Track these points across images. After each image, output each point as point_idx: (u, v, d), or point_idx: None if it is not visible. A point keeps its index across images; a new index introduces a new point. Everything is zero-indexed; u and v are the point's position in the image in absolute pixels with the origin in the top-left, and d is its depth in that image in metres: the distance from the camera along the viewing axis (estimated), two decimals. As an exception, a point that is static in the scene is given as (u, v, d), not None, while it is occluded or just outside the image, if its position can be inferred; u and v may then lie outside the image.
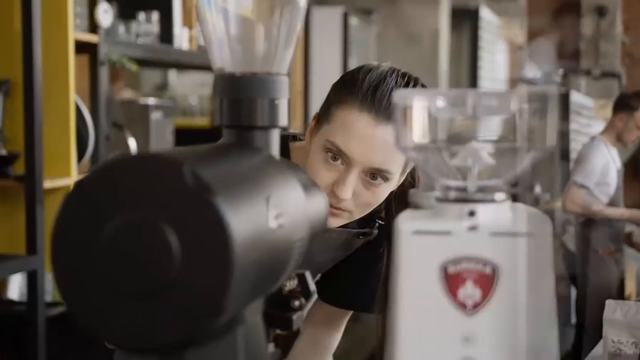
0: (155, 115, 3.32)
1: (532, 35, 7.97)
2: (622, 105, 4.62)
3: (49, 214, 2.55)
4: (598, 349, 2.09)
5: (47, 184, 2.52)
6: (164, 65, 4.30)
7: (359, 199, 1.30)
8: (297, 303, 0.84)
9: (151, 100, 3.48)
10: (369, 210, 1.34)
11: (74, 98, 2.66)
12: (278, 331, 0.89)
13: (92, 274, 0.61)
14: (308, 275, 0.87)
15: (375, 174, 1.28)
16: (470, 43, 7.46)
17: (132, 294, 0.60)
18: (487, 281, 0.66)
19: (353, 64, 5.02)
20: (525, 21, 8.54)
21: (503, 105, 0.67)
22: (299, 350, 1.53)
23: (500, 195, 0.69)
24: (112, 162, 0.62)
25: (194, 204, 0.59)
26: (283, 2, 0.79)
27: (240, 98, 0.77)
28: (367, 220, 1.43)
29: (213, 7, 0.79)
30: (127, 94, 4.40)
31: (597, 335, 2.07)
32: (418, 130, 0.69)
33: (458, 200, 0.69)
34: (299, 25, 0.81)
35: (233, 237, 0.59)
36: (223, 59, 0.79)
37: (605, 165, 4.61)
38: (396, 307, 0.68)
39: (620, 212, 4.75)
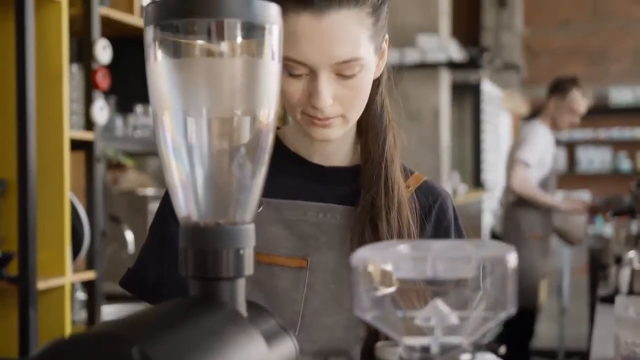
0: (154, 207, 3.30)
1: (535, 104, 8.02)
2: (555, 89, 4.67)
3: (42, 315, 2.53)
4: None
5: (41, 284, 2.49)
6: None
7: (343, 99, 1.19)
8: None
9: (150, 191, 3.48)
10: (363, 107, 1.24)
11: (69, 196, 2.66)
12: None
13: None
14: None
15: (345, 69, 1.17)
16: (472, 116, 7.49)
17: None
18: None
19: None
20: (527, 90, 8.59)
21: (462, 268, 0.65)
22: None
23: (465, 357, 0.67)
24: (57, 343, 0.60)
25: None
26: (246, 157, 0.78)
27: (205, 249, 0.76)
28: None
29: (178, 154, 0.78)
30: (132, 176, 4.39)
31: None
32: (378, 290, 0.68)
33: (422, 363, 0.67)
34: (263, 173, 0.80)
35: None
36: (188, 208, 0.78)
37: (545, 146, 4.61)
38: None
39: (559, 202, 4.70)
